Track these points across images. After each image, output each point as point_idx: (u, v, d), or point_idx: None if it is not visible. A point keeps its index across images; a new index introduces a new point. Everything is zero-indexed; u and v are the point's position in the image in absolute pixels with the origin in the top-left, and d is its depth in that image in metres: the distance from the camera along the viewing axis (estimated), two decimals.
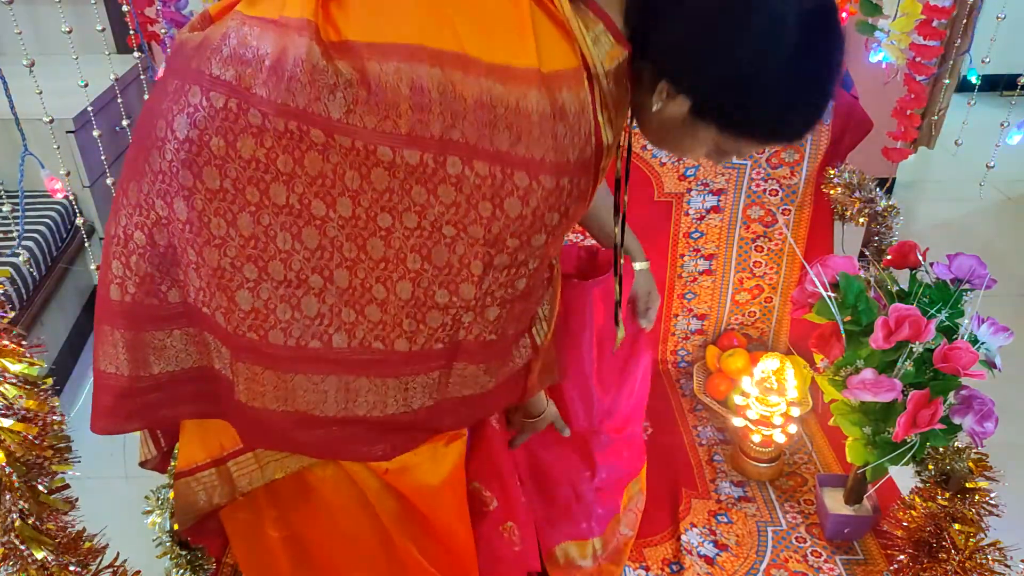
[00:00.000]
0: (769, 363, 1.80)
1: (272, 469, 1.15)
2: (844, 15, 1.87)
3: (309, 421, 1.03)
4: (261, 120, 0.88)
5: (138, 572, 1.12)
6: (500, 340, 1.03)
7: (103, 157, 1.64)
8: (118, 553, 1.10)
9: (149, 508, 1.35)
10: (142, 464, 1.23)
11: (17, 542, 0.96)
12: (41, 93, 1.37)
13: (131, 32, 1.70)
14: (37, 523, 0.97)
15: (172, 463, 1.30)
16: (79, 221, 1.40)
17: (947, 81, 1.88)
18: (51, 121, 1.41)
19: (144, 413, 1.08)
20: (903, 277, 1.50)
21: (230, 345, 1.00)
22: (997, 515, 1.38)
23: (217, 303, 0.97)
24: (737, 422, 1.80)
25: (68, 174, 1.45)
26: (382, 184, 0.90)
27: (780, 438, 1.77)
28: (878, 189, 1.84)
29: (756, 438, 1.78)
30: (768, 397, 1.74)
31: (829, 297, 1.44)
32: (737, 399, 1.82)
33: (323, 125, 0.87)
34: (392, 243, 0.93)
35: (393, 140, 0.87)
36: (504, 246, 0.93)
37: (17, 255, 2.06)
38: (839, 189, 1.88)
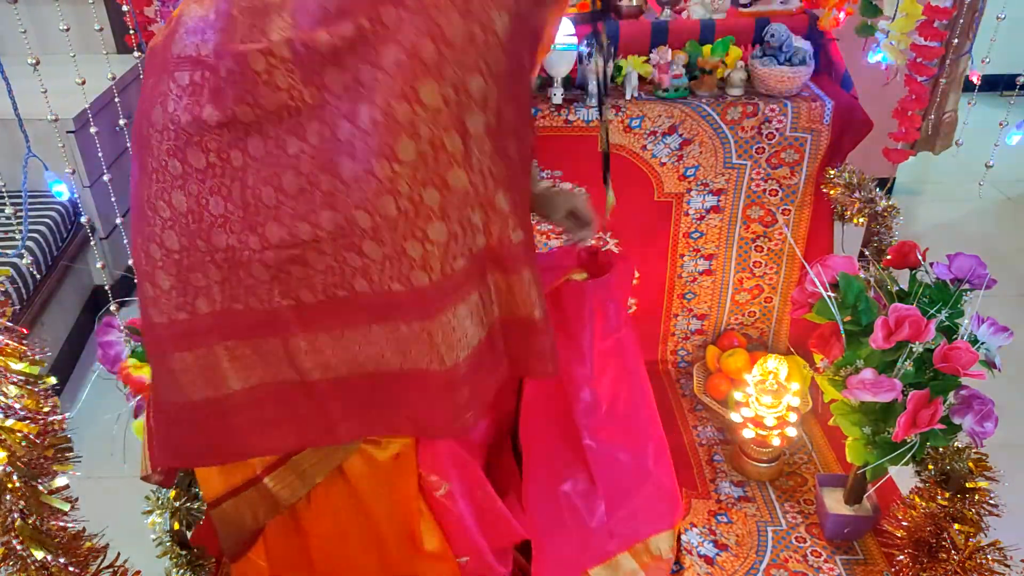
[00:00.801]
0: (757, 371, 1.80)
1: (312, 475, 1.14)
2: (843, 15, 1.87)
3: (389, 379, 1.00)
4: (215, 80, 0.89)
5: (138, 572, 1.12)
6: (527, 237, 0.98)
7: (100, 154, 1.64)
8: (118, 553, 1.10)
9: (149, 508, 1.35)
10: (144, 478, 1.22)
11: (17, 542, 0.95)
12: (46, 92, 1.37)
13: (130, 32, 1.70)
14: (37, 523, 0.97)
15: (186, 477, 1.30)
16: (83, 220, 1.40)
17: (944, 81, 1.88)
18: (56, 120, 1.41)
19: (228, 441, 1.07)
20: (903, 277, 1.50)
21: (272, 328, 0.98)
22: (997, 515, 1.38)
23: (237, 284, 0.96)
24: (747, 434, 1.78)
25: (73, 172, 1.45)
26: (337, 86, 0.88)
27: (792, 432, 1.77)
28: (878, 189, 1.84)
29: (776, 441, 1.77)
30: (782, 398, 1.73)
31: (829, 297, 1.44)
32: (745, 412, 1.79)
33: (263, 46, 0.87)
34: (357, 154, 0.88)
35: (328, 23, 0.86)
36: (471, 100, 0.88)
37: (21, 256, 2.06)
38: (839, 189, 1.88)
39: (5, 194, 1.51)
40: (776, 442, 1.76)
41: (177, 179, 0.93)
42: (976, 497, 1.39)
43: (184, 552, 1.35)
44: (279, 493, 1.15)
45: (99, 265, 1.37)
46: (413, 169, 0.88)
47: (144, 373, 1.28)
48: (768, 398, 1.73)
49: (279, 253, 0.93)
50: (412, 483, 1.19)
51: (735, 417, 1.81)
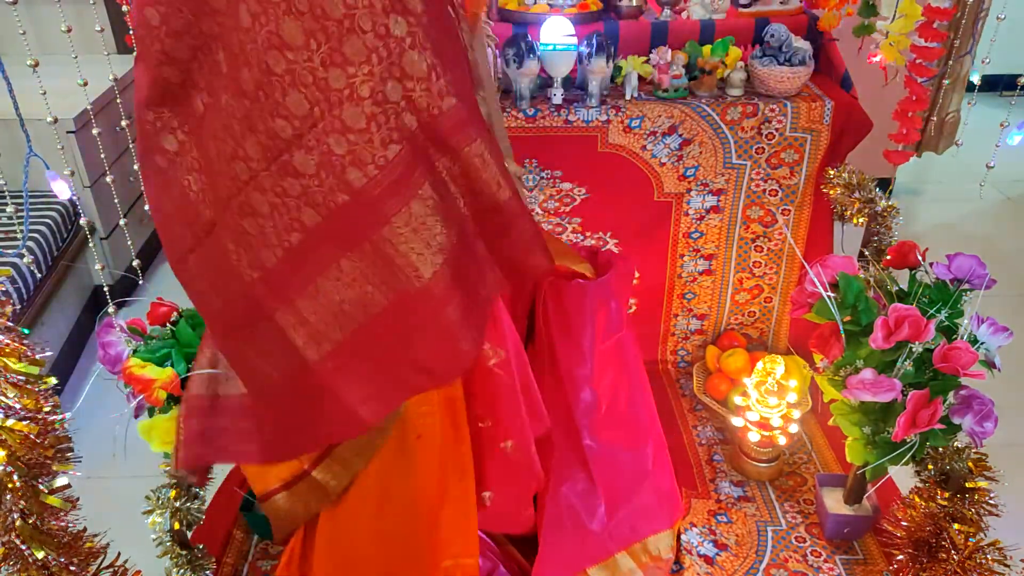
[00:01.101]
0: (755, 374, 1.80)
1: (354, 463, 1.14)
2: (843, 16, 1.87)
3: (381, 324, 0.96)
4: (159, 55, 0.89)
5: (138, 572, 1.12)
6: (466, 104, 0.91)
7: (102, 156, 1.64)
8: (119, 553, 1.11)
9: (149, 508, 1.35)
10: (176, 475, 1.22)
11: (18, 542, 0.96)
12: (45, 94, 1.37)
13: (130, 32, 1.70)
14: (38, 523, 0.97)
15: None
16: (83, 221, 1.40)
17: (947, 81, 1.87)
18: (55, 121, 1.41)
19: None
20: (903, 277, 1.50)
21: (258, 311, 0.96)
22: (997, 515, 1.38)
23: (224, 268, 0.95)
24: (752, 437, 1.78)
25: (73, 173, 1.45)
26: (219, 2, 0.85)
27: (794, 428, 1.77)
28: (878, 189, 1.84)
29: (783, 440, 1.77)
30: (784, 397, 1.73)
31: (829, 297, 1.44)
32: (750, 416, 1.78)
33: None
34: (250, 59, 0.83)
35: None
36: None
37: (21, 256, 2.06)
38: (839, 189, 1.88)
39: (7, 193, 1.51)
40: (782, 441, 1.77)
41: (166, 172, 0.93)
42: (976, 497, 1.39)
43: (184, 552, 1.35)
44: (328, 483, 1.15)
45: (98, 267, 1.37)
46: (308, 51, 0.83)
47: (148, 372, 1.28)
48: (773, 399, 1.73)
49: (229, 206, 0.90)
50: (435, 469, 1.18)
51: (737, 422, 1.81)
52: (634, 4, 2.01)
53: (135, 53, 0.91)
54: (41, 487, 0.98)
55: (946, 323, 1.39)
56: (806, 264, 1.53)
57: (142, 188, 0.99)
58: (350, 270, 0.92)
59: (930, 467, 1.47)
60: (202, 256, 0.97)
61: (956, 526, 1.37)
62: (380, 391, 1.03)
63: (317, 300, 0.94)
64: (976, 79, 1.79)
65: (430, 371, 1.04)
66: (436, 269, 0.94)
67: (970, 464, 1.42)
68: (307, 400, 1.03)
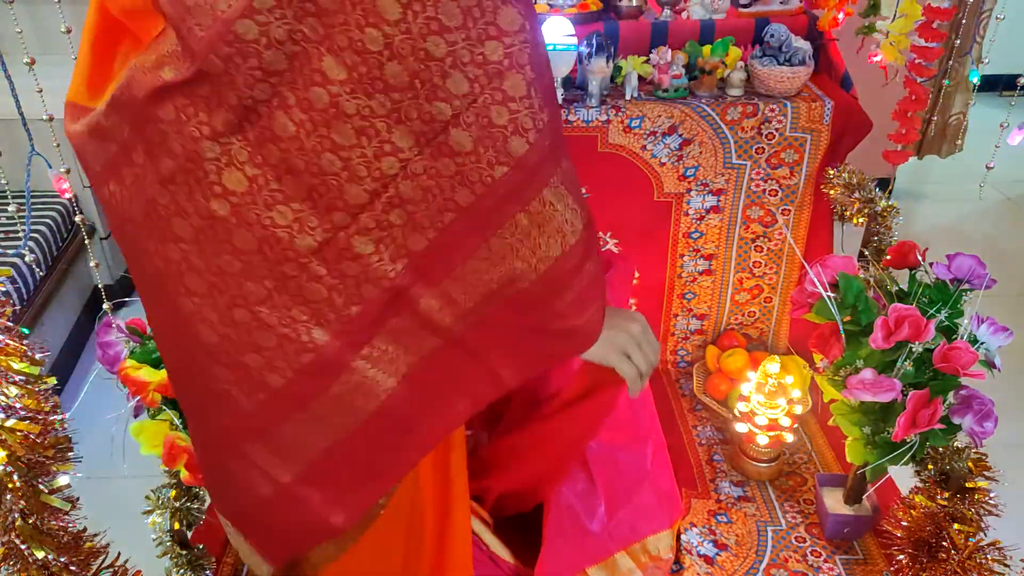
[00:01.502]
0: (755, 378, 1.80)
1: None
2: (841, 16, 1.87)
3: (525, 297, 0.93)
4: (206, 83, 0.83)
5: (138, 572, 1.12)
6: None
7: None
8: (119, 553, 1.11)
9: (149, 508, 1.35)
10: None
11: (18, 542, 0.96)
12: (41, 92, 1.37)
13: None
14: (38, 523, 0.98)
15: None
16: (78, 219, 1.40)
17: (948, 82, 1.87)
18: (51, 119, 1.41)
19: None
20: (903, 277, 1.50)
21: (396, 305, 0.91)
22: (997, 515, 1.38)
23: (347, 281, 0.89)
24: (761, 439, 1.78)
25: (68, 171, 1.45)
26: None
27: (789, 437, 1.77)
28: (878, 189, 1.84)
29: (790, 437, 1.77)
30: (789, 394, 1.74)
31: (829, 297, 1.44)
32: (759, 420, 1.77)
33: (243, 4, 0.79)
34: (399, 48, 0.79)
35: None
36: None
37: (22, 255, 2.06)
38: (839, 189, 1.88)
39: (8, 192, 1.51)
40: (790, 438, 1.77)
41: (226, 220, 0.85)
42: (976, 497, 1.39)
43: (184, 552, 1.35)
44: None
45: (92, 264, 1.37)
46: (465, 31, 0.80)
47: (143, 374, 1.28)
48: (781, 399, 1.73)
49: (372, 209, 0.85)
50: (432, 472, 1.16)
51: (741, 428, 1.81)
52: (634, 4, 2.01)
53: (184, 78, 0.81)
54: (41, 487, 0.98)
55: (946, 323, 1.39)
56: (806, 264, 1.53)
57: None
58: (499, 246, 0.89)
59: (930, 467, 1.47)
60: (285, 300, 0.89)
61: (956, 526, 1.37)
62: (523, 356, 1.00)
63: (466, 282, 0.91)
64: (975, 79, 1.79)
65: (573, 330, 1.02)
66: (586, 220, 0.94)
67: (970, 464, 1.42)
68: (439, 369, 0.97)
